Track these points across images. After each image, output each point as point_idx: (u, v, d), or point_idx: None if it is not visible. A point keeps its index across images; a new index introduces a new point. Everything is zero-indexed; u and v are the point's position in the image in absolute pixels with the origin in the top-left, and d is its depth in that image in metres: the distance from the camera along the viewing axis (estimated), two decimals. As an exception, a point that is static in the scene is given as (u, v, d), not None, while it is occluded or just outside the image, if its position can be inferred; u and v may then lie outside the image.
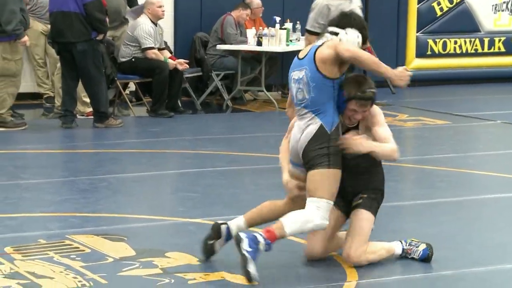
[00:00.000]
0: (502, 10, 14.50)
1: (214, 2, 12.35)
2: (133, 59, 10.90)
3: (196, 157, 8.60)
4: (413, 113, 11.03)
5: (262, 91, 11.99)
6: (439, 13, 14.04)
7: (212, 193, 7.10)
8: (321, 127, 5.05)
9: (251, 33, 11.80)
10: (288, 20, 12.19)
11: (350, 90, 5.10)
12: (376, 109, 5.28)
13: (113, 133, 9.79)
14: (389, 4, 13.72)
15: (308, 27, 7.54)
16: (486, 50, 14.48)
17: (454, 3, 14.09)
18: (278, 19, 11.85)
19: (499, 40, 14.48)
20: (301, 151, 5.09)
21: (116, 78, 10.93)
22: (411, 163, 8.45)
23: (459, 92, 13.42)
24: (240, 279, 4.99)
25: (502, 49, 14.52)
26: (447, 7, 14.06)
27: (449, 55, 14.19)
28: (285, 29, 11.81)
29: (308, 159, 5.06)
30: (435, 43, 14.09)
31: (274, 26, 11.68)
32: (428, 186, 7.50)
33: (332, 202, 5.06)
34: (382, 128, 5.23)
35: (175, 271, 5.07)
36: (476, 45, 14.36)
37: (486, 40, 14.44)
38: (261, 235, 4.93)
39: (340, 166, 5.06)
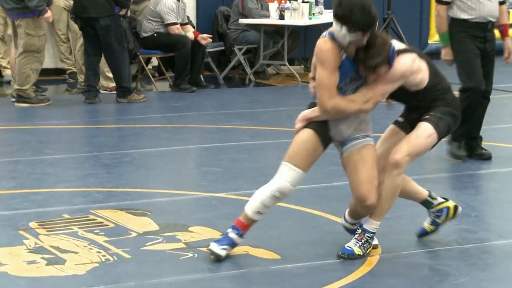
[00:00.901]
0: (528, -19, 14.33)
1: (236, -25, 12.30)
2: (155, 34, 10.88)
3: (219, 131, 8.59)
4: (437, 86, 10.93)
5: (285, 65, 11.95)
6: (463, -16, 13.88)
7: (235, 167, 7.10)
8: None
9: (273, 6, 11.75)
10: (311, -7, 12.12)
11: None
12: (398, 65, 4.74)
13: (136, 108, 9.80)
14: (413, -24, 13.61)
15: None
16: (511, 21, 14.31)
17: (478, -26, 13.94)
18: (300, -8, 11.79)
19: (525, 11, 14.32)
20: None
21: (138, 53, 10.94)
22: (435, 136, 8.39)
23: (483, 65, 13.27)
24: (263, 253, 4.99)
25: (528, 21, 14.38)
26: (471, -22, 13.91)
27: (473, 27, 14.03)
28: (307, 2, 11.75)
29: None
30: (460, 15, 13.94)
31: (296, 0, 11.62)
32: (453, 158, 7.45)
33: (287, 163, 4.86)
34: (378, 84, 4.78)
35: (198, 246, 5.08)
36: (501, 17, 14.19)
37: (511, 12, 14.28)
38: (231, 226, 4.92)
39: (310, 128, 5.01)
